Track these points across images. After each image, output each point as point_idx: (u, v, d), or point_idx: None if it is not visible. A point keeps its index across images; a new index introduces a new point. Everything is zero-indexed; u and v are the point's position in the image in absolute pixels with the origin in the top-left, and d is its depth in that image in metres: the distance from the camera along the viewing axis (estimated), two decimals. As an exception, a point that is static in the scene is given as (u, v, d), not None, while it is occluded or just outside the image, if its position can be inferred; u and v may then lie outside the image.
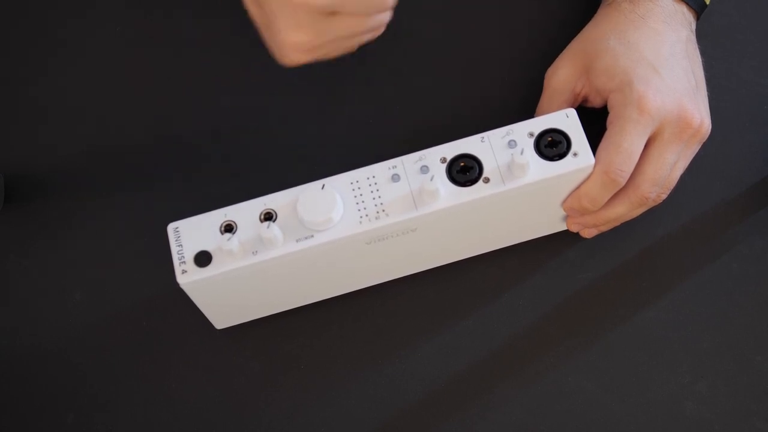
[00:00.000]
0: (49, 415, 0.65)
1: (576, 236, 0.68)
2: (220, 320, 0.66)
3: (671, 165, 0.62)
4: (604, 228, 0.66)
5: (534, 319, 0.66)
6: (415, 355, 0.66)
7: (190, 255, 0.57)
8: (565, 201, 0.63)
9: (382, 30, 0.59)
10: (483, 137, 0.59)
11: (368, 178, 0.59)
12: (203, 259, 0.57)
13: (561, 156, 0.59)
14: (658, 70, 0.62)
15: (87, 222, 0.70)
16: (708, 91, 0.66)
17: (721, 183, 0.69)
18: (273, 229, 0.56)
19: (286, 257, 0.57)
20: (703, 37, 0.69)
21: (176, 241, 0.58)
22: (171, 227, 0.58)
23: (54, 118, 0.74)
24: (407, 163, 0.59)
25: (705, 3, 0.68)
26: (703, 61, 0.67)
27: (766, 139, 0.70)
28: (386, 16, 0.58)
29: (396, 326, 0.67)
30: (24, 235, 0.70)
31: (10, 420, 0.65)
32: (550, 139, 0.59)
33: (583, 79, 0.65)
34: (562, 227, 0.68)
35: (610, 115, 0.62)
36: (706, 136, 0.64)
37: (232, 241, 0.56)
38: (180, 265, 0.57)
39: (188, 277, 0.57)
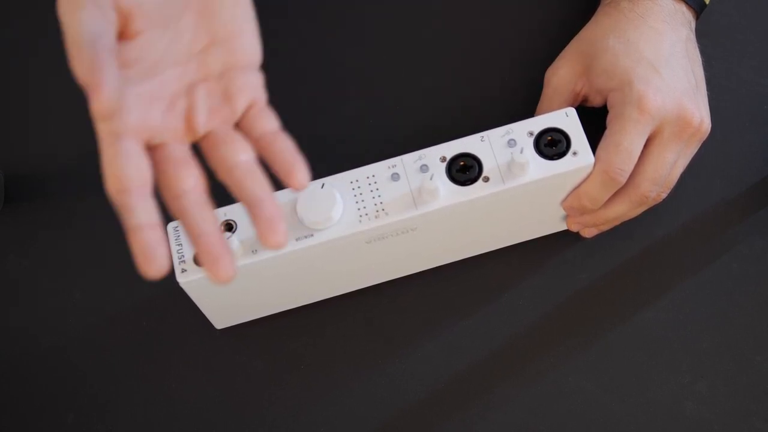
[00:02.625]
0: (49, 415, 0.65)
1: (576, 236, 0.68)
2: (220, 320, 0.66)
3: (671, 164, 0.62)
4: (604, 227, 0.66)
5: (534, 318, 0.66)
6: (416, 355, 0.66)
7: (189, 254, 0.57)
8: (565, 200, 0.63)
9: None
10: (483, 136, 0.59)
11: (368, 177, 0.59)
12: (203, 258, 0.57)
13: (561, 155, 0.59)
14: (658, 69, 0.62)
15: (87, 222, 0.70)
16: (708, 90, 0.66)
17: (721, 183, 0.69)
18: (273, 228, 0.56)
19: (286, 256, 0.57)
20: (703, 36, 0.69)
21: (176, 240, 0.58)
22: (171, 226, 0.58)
23: (54, 118, 0.74)
24: (407, 162, 0.59)
25: (705, 2, 0.68)
26: (703, 61, 0.67)
27: (766, 139, 0.70)
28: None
29: (397, 325, 0.67)
30: (24, 235, 0.70)
31: (10, 420, 0.65)
32: (549, 138, 0.59)
33: (583, 78, 0.65)
34: (562, 227, 0.68)
35: (609, 114, 0.62)
36: (706, 136, 0.64)
37: (232, 240, 0.56)
38: (180, 265, 0.57)
39: (188, 277, 0.57)
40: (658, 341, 0.65)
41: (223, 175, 0.50)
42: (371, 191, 0.58)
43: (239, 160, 0.50)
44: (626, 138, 0.60)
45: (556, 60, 0.67)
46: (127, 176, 0.46)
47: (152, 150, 0.49)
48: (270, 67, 0.75)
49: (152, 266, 0.45)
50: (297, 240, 0.57)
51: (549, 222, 0.67)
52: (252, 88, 0.52)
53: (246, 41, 0.52)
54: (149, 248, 0.45)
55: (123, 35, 0.48)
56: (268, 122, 0.52)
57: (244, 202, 0.49)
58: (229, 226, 0.58)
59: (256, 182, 0.49)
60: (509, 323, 0.66)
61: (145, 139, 0.48)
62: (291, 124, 0.72)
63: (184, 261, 0.57)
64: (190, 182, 0.49)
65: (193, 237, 0.47)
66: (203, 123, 0.50)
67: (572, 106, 0.65)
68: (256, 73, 0.53)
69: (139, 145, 0.48)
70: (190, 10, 0.50)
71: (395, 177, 0.59)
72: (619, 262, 0.68)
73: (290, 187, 0.49)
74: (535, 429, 0.63)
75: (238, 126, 0.52)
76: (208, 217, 0.48)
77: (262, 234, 0.48)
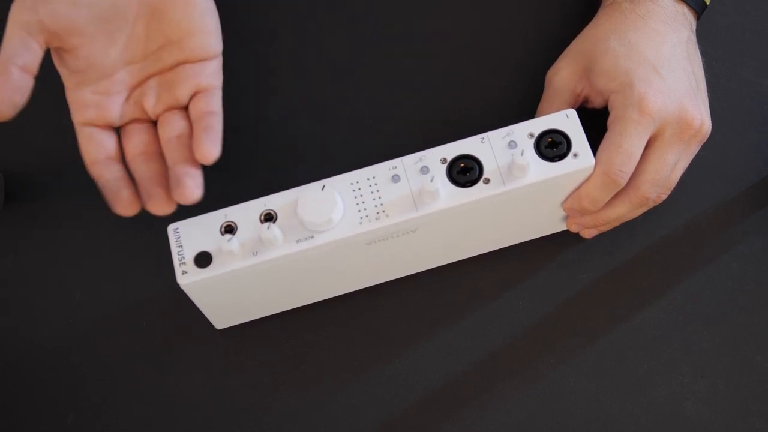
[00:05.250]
0: (49, 415, 0.65)
1: (576, 236, 0.68)
2: (221, 320, 0.66)
3: (672, 166, 0.62)
4: (604, 228, 0.66)
5: (534, 319, 0.66)
6: (415, 355, 0.66)
7: (190, 256, 0.57)
8: (565, 201, 0.63)
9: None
10: (483, 138, 0.59)
11: (368, 179, 0.59)
12: (203, 259, 0.57)
13: (561, 157, 0.59)
14: (659, 70, 0.62)
15: (87, 222, 0.70)
16: (708, 91, 0.66)
17: (721, 183, 0.69)
18: (273, 229, 0.56)
19: (287, 258, 0.57)
20: (703, 37, 0.69)
21: (176, 241, 0.58)
22: (171, 228, 0.58)
23: (54, 118, 0.74)
24: (407, 163, 0.59)
25: (705, 3, 0.68)
26: (703, 62, 0.67)
27: (766, 139, 0.70)
28: None
29: (396, 326, 0.67)
30: (24, 235, 0.70)
31: (10, 420, 0.65)
32: (550, 139, 0.59)
33: (583, 79, 0.65)
34: (562, 227, 0.68)
35: (610, 115, 0.62)
36: (707, 137, 0.64)
37: (233, 241, 0.56)
38: (180, 266, 0.57)
39: (188, 278, 0.57)
40: (658, 341, 0.65)
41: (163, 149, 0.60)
42: (372, 193, 0.58)
43: (171, 136, 0.59)
44: (627, 139, 0.60)
45: (556, 61, 0.67)
46: (89, 152, 0.58)
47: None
48: (271, 67, 0.75)
49: (119, 204, 0.56)
50: (297, 242, 0.57)
51: (549, 223, 0.67)
52: (202, 76, 0.60)
53: (199, 39, 0.60)
54: (114, 190, 0.56)
55: (61, 50, 0.58)
56: (208, 104, 0.60)
57: (169, 168, 0.58)
58: (230, 228, 0.58)
59: (182, 152, 0.58)
60: (509, 323, 0.66)
61: (105, 125, 0.59)
62: (291, 124, 0.72)
63: (184, 262, 0.57)
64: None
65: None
66: (152, 108, 0.60)
67: (573, 107, 0.65)
68: (212, 64, 0.60)
69: (100, 129, 0.59)
70: (140, 19, 0.59)
71: (396, 178, 0.58)
72: (619, 262, 0.68)
73: (197, 157, 0.57)
74: (535, 429, 0.63)
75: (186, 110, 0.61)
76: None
77: (173, 190, 0.57)
